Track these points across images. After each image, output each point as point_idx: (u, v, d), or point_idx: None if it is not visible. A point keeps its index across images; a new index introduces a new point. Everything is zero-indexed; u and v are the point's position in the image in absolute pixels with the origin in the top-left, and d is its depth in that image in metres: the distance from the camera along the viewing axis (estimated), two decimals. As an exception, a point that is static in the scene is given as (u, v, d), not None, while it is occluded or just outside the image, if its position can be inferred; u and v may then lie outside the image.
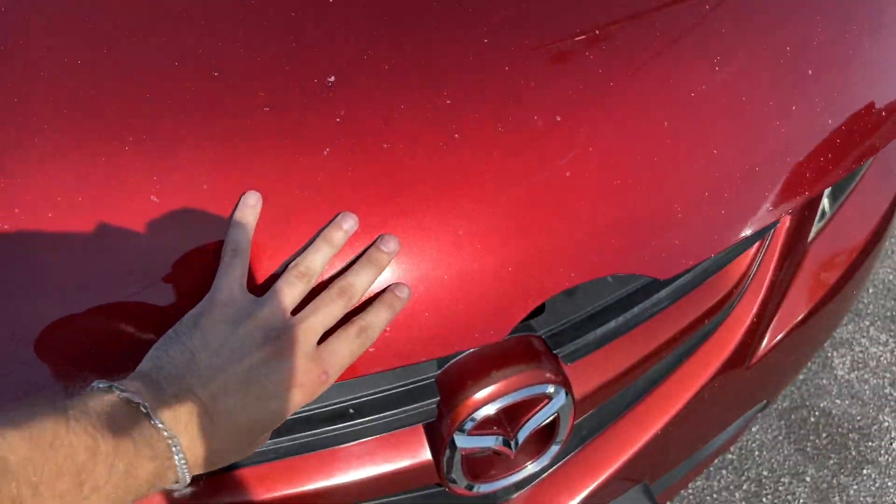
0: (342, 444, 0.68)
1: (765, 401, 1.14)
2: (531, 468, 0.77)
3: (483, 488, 0.76)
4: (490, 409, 0.68)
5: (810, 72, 0.74)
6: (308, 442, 0.67)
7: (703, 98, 0.69)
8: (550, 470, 0.85)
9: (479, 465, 0.76)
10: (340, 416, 0.67)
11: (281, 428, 0.60)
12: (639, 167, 0.65)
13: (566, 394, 0.71)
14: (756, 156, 0.70)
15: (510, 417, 0.72)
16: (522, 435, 0.72)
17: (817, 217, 0.99)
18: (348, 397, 0.68)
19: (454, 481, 0.74)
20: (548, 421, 0.73)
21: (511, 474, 0.77)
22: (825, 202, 1.04)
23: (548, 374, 0.69)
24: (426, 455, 0.72)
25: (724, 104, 0.70)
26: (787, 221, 0.92)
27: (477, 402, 0.67)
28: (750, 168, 0.70)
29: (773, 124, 0.71)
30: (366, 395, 0.68)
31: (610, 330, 0.74)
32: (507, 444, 0.71)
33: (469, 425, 0.68)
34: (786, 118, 0.72)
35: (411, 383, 0.69)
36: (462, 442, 0.69)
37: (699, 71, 0.70)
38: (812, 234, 1.00)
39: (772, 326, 0.99)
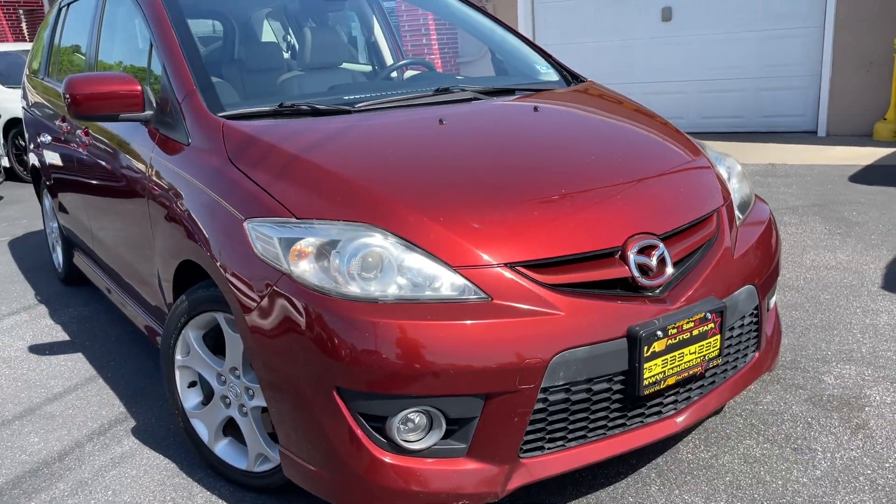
0: None
1: (752, 284, 2.24)
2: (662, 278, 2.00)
3: (648, 281, 1.96)
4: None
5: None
6: None
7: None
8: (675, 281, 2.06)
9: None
10: None
11: None
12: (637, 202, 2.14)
13: (664, 246, 2.01)
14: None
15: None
16: (653, 262, 1.98)
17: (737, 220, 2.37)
18: None
19: (637, 277, 1.95)
20: (660, 259, 2.00)
21: (657, 278, 1.98)
22: (737, 216, 2.38)
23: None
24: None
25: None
26: (724, 216, 2.29)
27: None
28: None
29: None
30: None
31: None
32: (648, 264, 1.98)
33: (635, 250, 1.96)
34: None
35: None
36: (632, 256, 1.96)
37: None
38: (738, 223, 2.38)
39: (737, 246, 2.24)
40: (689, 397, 2.10)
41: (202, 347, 2.31)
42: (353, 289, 1.83)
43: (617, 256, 1.97)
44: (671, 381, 1.97)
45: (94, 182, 3.22)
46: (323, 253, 1.87)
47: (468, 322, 1.79)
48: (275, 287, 1.89)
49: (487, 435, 1.84)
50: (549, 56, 3.23)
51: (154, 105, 2.60)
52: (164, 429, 2.73)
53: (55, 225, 4.47)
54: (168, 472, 2.45)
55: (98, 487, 2.39)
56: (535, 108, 2.58)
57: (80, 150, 3.34)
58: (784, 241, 4.43)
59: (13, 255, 5.37)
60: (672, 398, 2.06)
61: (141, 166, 2.65)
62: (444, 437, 1.86)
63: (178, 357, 2.37)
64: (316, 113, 2.45)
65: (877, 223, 4.65)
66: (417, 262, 1.86)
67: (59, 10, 4.15)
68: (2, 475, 2.50)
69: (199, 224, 2.19)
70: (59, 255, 4.55)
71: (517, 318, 1.82)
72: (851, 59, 7.51)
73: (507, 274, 1.86)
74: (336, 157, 2.14)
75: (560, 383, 1.84)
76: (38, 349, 3.58)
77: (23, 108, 4.73)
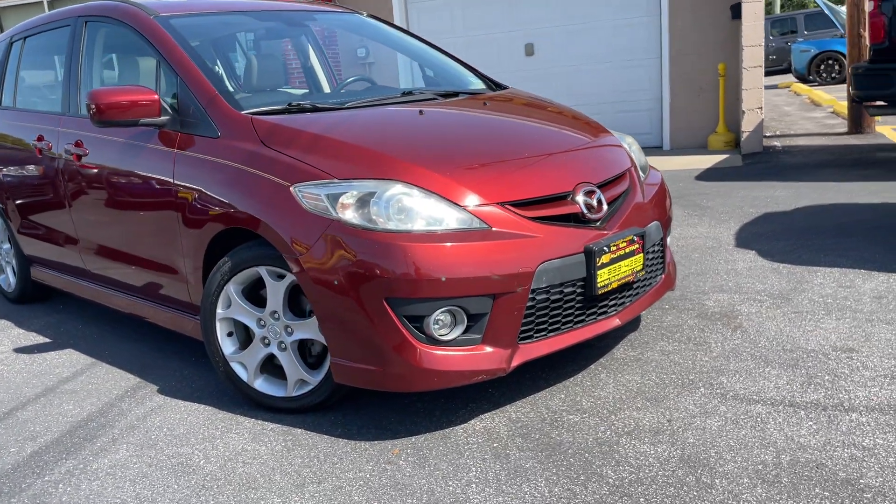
0: None
1: (659, 220, 3.00)
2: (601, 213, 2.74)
3: (592, 215, 2.70)
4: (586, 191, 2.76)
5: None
6: None
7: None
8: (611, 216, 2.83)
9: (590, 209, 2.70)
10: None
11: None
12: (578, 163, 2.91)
13: (600, 192, 2.72)
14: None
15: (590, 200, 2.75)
16: (594, 202, 2.73)
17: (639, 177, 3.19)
18: None
19: (585, 213, 2.68)
20: (598, 200, 2.76)
21: (597, 213, 2.73)
22: (640, 175, 3.19)
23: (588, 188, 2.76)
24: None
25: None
26: (633, 174, 3.12)
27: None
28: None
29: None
30: None
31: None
32: (591, 203, 2.71)
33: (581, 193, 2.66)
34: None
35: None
36: (580, 198, 2.66)
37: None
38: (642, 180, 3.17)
39: (645, 195, 2.96)
40: (623, 303, 2.87)
41: (242, 299, 2.82)
42: (391, 225, 2.45)
43: (569, 199, 2.72)
44: (615, 285, 2.73)
45: (90, 194, 3.60)
46: (363, 202, 2.49)
47: (477, 243, 2.47)
48: (327, 231, 2.48)
49: (496, 327, 2.51)
50: (475, 70, 3.99)
51: (170, 111, 3.09)
52: (188, 387, 3.18)
53: (6, 247, 4.69)
54: (209, 412, 2.91)
55: (151, 426, 2.82)
56: (485, 104, 3.32)
57: (71, 165, 3.69)
58: (656, 223, 5.41)
59: (-61, 287, 5.43)
60: (613, 303, 2.82)
61: (162, 165, 3.11)
62: (465, 331, 2.51)
63: (219, 311, 2.87)
64: (316, 110, 3.06)
65: (722, 206, 5.76)
66: (434, 204, 2.52)
67: (11, 43, 4.47)
68: (55, 431, 2.87)
69: (242, 195, 2.73)
70: (9, 276, 4.75)
71: (510, 240, 2.52)
72: (685, 85, 8.89)
73: (499, 211, 2.56)
74: (353, 135, 2.78)
75: (543, 286, 2.55)
76: (26, 350, 3.86)
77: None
